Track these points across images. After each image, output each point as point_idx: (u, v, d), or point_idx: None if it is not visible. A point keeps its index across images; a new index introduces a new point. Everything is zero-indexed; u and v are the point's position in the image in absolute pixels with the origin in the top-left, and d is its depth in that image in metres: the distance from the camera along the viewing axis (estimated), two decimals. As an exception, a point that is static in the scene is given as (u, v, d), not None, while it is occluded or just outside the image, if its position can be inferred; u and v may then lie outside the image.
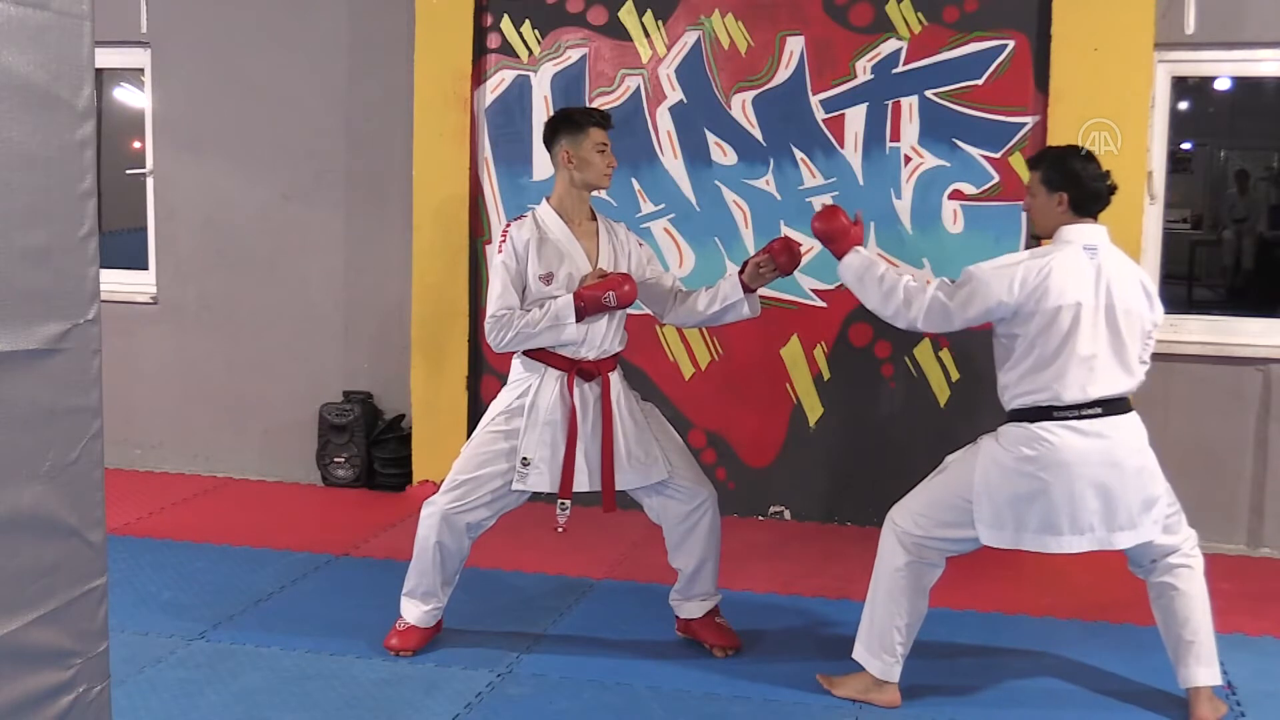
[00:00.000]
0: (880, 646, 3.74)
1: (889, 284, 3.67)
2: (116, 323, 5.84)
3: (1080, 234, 3.56)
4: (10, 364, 2.06)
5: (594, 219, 4.07)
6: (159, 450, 6.51)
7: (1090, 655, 4.16)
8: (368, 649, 4.11)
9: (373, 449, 6.15)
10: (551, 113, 5.61)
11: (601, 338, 3.97)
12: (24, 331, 2.09)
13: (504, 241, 3.94)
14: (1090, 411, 3.50)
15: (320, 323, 6.28)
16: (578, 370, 3.95)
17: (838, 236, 3.79)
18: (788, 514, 5.74)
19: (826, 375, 5.65)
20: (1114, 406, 3.54)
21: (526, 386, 3.97)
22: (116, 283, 6.28)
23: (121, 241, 6.58)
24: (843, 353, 5.58)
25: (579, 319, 3.86)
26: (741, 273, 3.98)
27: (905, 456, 5.60)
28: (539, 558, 5.05)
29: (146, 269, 6.51)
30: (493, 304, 3.92)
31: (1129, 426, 3.58)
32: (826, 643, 4.24)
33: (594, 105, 5.73)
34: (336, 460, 6.16)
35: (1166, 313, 5.43)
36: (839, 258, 3.79)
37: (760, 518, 5.75)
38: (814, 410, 5.67)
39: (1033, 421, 3.55)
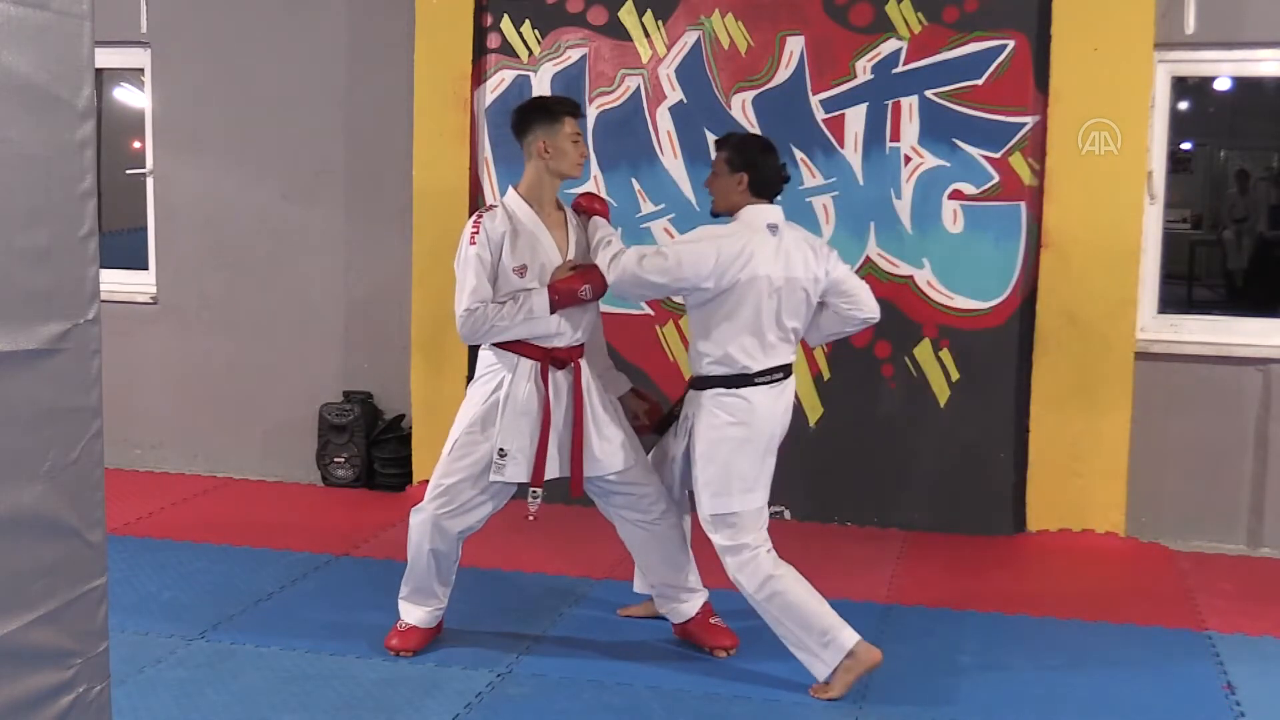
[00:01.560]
0: (818, 645, 3.78)
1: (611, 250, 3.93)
2: (116, 323, 5.84)
3: (760, 214, 3.86)
4: (10, 364, 2.06)
5: (560, 208, 4.07)
6: (159, 450, 6.50)
7: (1090, 655, 4.15)
8: (368, 649, 4.11)
9: (373, 449, 6.15)
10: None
11: (575, 327, 3.97)
12: (24, 331, 2.09)
13: (476, 233, 3.87)
14: (776, 377, 3.87)
15: (320, 323, 6.28)
16: (551, 359, 3.95)
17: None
18: (788, 514, 5.74)
19: (826, 375, 5.65)
20: (788, 371, 3.93)
21: (500, 379, 3.95)
22: (116, 283, 6.28)
23: (121, 241, 6.58)
24: (843, 353, 5.58)
25: (552, 311, 3.86)
26: (631, 391, 4.25)
27: (905, 456, 5.61)
28: (539, 558, 5.05)
29: (146, 269, 6.51)
30: (465, 297, 3.85)
31: (791, 389, 3.97)
32: (826, 643, 4.24)
33: (594, 105, 5.74)
34: (336, 460, 6.16)
35: (1167, 313, 5.52)
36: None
37: (760, 518, 5.74)
38: (814, 410, 5.67)
39: (733, 387, 3.84)
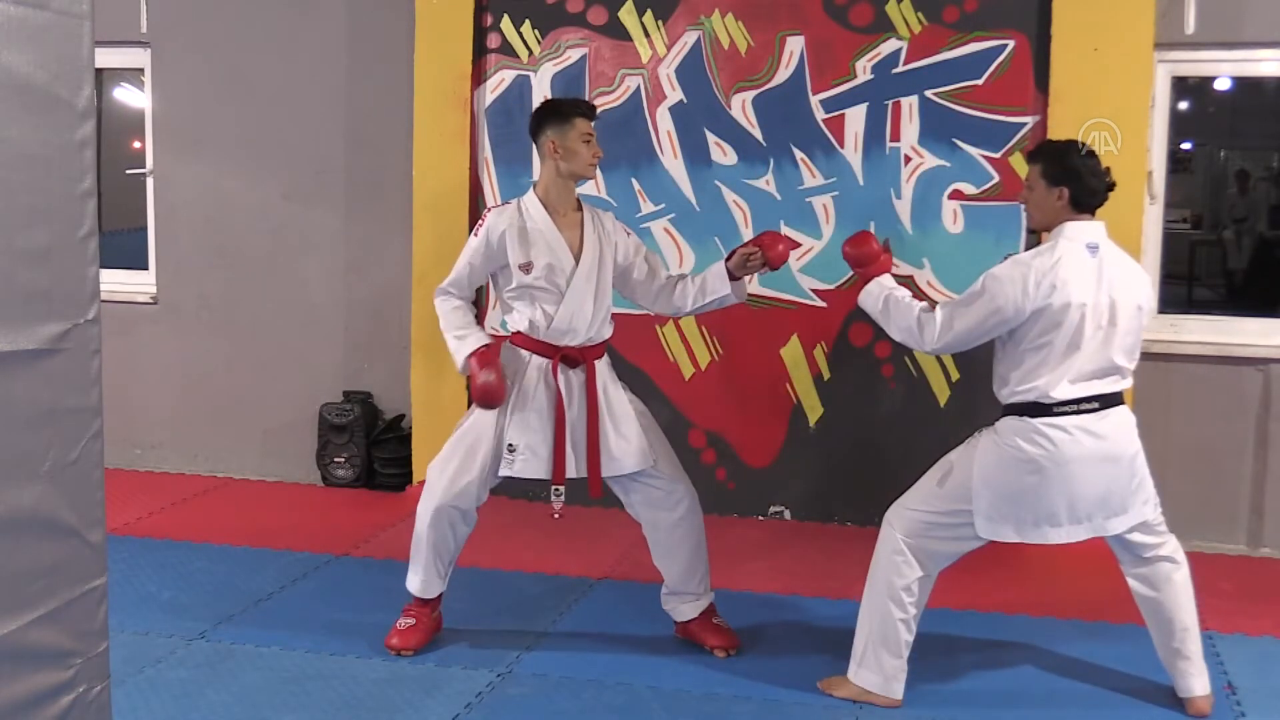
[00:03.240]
0: (877, 661, 3.74)
1: (904, 308, 3.71)
2: (116, 323, 5.85)
3: (1081, 231, 3.56)
4: (10, 364, 2.06)
5: (579, 209, 4.08)
6: (159, 450, 6.50)
7: (1090, 655, 4.16)
8: (368, 649, 4.11)
9: (373, 449, 6.15)
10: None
11: (587, 325, 3.98)
12: (24, 331, 2.09)
13: (480, 226, 4.01)
14: (1088, 407, 3.52)
15: (320, 323, 6.28)
16: (561, 357, 3.96)
17: (866, 262, 3.84)
18: (788, 514, 5.74)
19: (826, 375, 5.65)
20: (1109, 401, 3.56)
21: (512, 372, 3.98)
22: (116, 283, 6.28)
23: (121, 241, 6.58)
24: (843, 353, 5.58)
25: (460, 369, 3.96)
26: (729, 260, 4.00)
27: (905, 456, 5.59)
28: (539, 558, 5.04)
29: (146, 269, 6.51)
30: (449, 277, 4.05)
31: (1122, 420, 3.61)
32: (827, 643, 4.23)
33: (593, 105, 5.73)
34: (336, 460, 6.16)
35: (1167, 313, 5.52)
36: (864, 283, 3.84)
37: (760, 518, 5.74)
38: (814, 410, 5.67)
39: (1032, 416, 3.55)
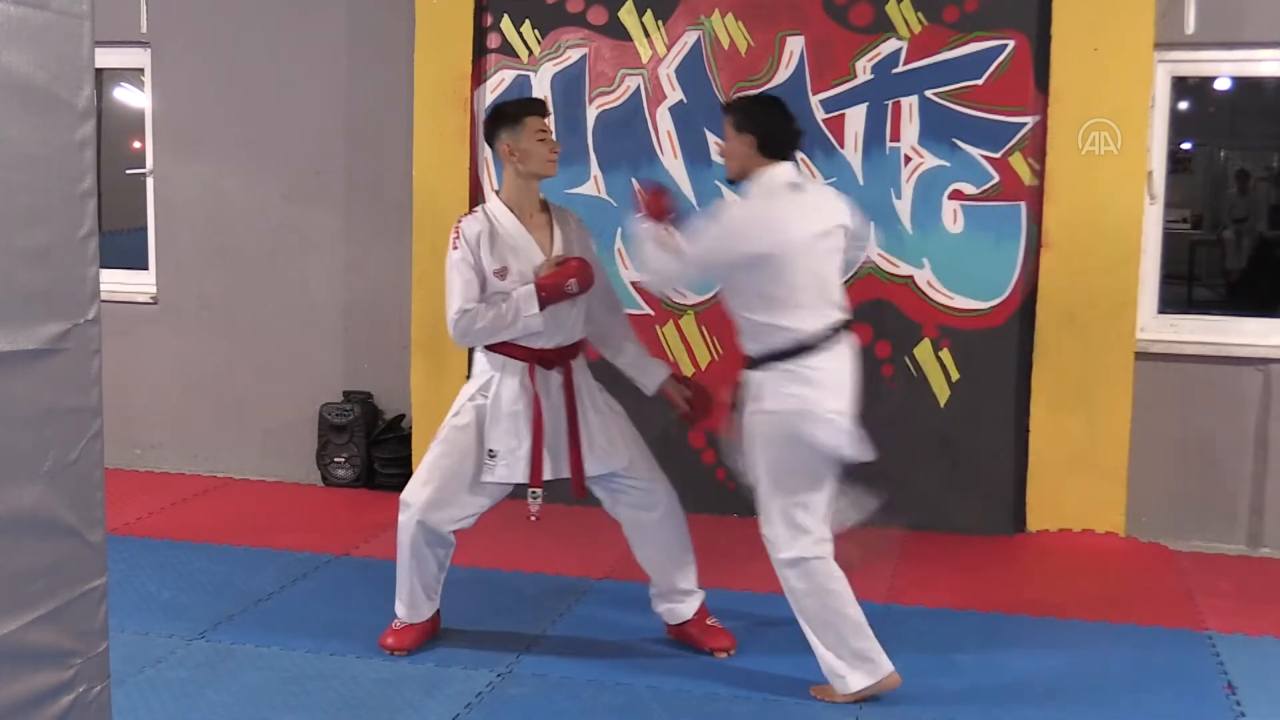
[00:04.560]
0: (851, 656, 3.73)
1: (655, 245, 3.85)
2: (116, 323, 5.84)
3: (776, 174, 3.73)
4: (10, 364, 2.06)
5: (545, 210, 4.06)
6: (159, 450, 6.50)
7: (1090, 655, 4.15)
8: (367, 649, 4.11)
9: (373, 449, 6.15)
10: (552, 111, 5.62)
11: (563, 326, 3.97)
12: (24, 331, 2.09)
13: (457, 238, 3.92)
14: (828, 343, 3.70)
15: (320, 323, 6.28)
16: (538, 360, 3.95)
17: (660, 215, 3.94)
18: (788, 514, 5.73)
19: (826, 375, 5.64)
20: (843, 332, 3.77)
21: (488, 379, 3.97)
22: (116, 283, 6.28)
23: (121, 241, 6.58)
24: (843, 353, 5.57)
25: (541, 308, 3.85)
26: (667, 381, 4.14)
27: (905, 456, 5.60)
28: (539, 558, 5.04)
29: (146, 269, 6.51)
30: (455, 299, 3.87)
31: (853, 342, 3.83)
32: (826, 643, 4.24)
33: (594, 105, 5.74)
34: (336, 460, 6.16)
35: (1167, 313, 5.52)
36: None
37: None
38: (814, 410, 5.66)
39: (795, 357, 3.67)
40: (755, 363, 3.75)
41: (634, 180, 4.03)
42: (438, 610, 4.19)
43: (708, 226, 3.76)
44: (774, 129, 3.76)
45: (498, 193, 4.04)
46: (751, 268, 3.64)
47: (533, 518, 3.96)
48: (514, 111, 3.98)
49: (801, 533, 3.72)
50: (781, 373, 3.68)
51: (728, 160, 3.86)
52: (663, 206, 3.91)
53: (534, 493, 3.96)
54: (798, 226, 3.66)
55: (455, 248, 3.90)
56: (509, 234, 3.93)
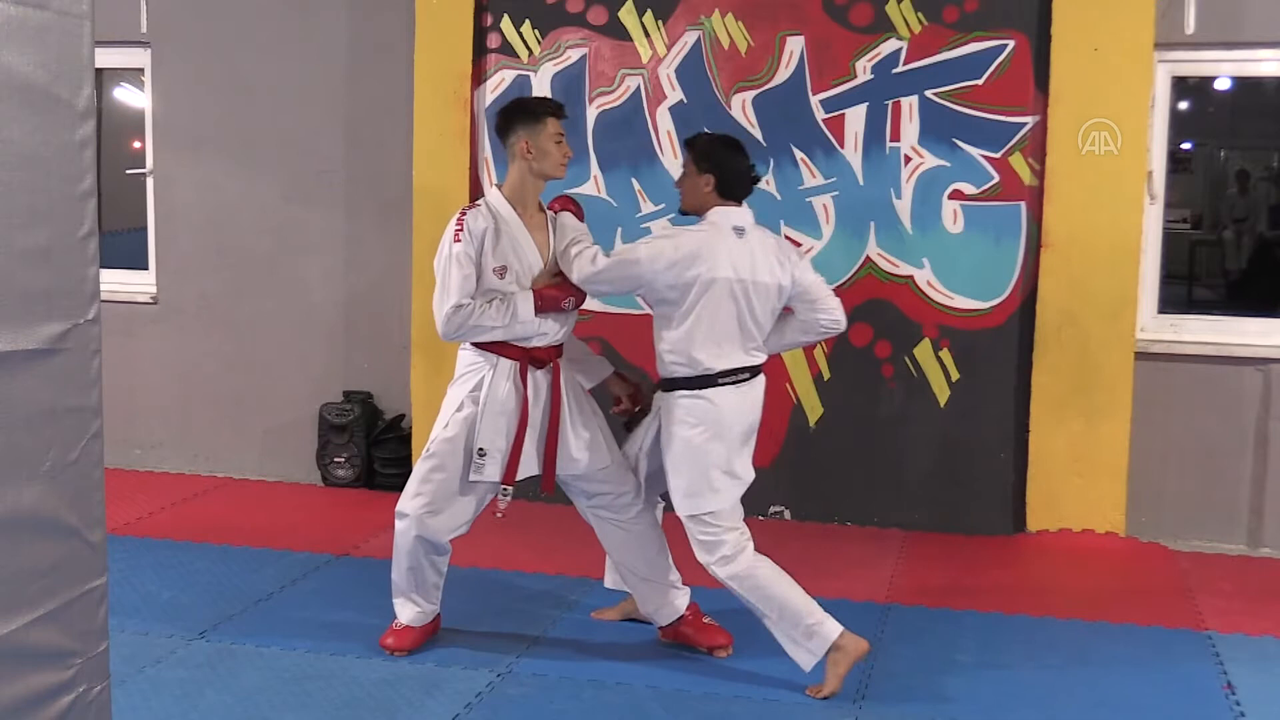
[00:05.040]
0: (802, 636, 3.79)
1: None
2: (116, 323, 5.85)
3: (728, 216, 3.85)
4: (10, 364, 2.06)
5: (543, 210, 4.06)
6: (159, 450, 6.50)
7: (1090, 655, 4.15)
8: (367, 649, 4.11)
9: (373, 449, 6.15)
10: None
11: (556, 327, 3.97)
12: (24, 331, 2.09)
13: (460, 230, 3.87)
14: (743, 377, 3.85)
15: (320, 323, 6.28)
16: (530, 359, 3.94)
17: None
18: (788, 514, 5.74)
19: (826, 375, 5.65)
20: (755, 371, 3.91)
21: (479, 379, 3.95)
22: (116, 283, 6.28)
23: (121, 241, 6.58)
24: (843, 353, 5.58)
25: (535, 315, 3.87)
26: (611, 378, 4.20)
27: (905, 456, 5.61)
28: (539, 558, 5.04)
29: (146, 269, 6.51)
30: (452, 294, 3.83)
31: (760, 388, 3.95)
32: (826, 643, 4.25)
33: (594, 105, 5.74)
34: (336, 460, 6.15)
35: (1167, 313, 5.52)
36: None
37: (760, 518, 5.74)
38: (814, 410, 5.67)
39: (698, 388, 3.83)
40: (665, 386, 3.92)
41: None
42: (438, 612, 4.19)
43: (638, 245, 3.89)
44: (733, 172, 3.90)
45: (499, 186, 4.03)
46: (668, 291, 3.79)
47: (499, 514, 3.98)
48: (535, 109, 3.98)
49: (717, 534, 3.85)
50: (681, 399, 3.85)
51: (684, 194, 3.98)
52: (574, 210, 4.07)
53: (504, 490, 3.96)
54: (726, 268, 3.78)
55: (458, 240, 3.86)
56: (511, 232, 3.92)
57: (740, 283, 3.79)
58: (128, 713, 3.53)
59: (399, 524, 4.03)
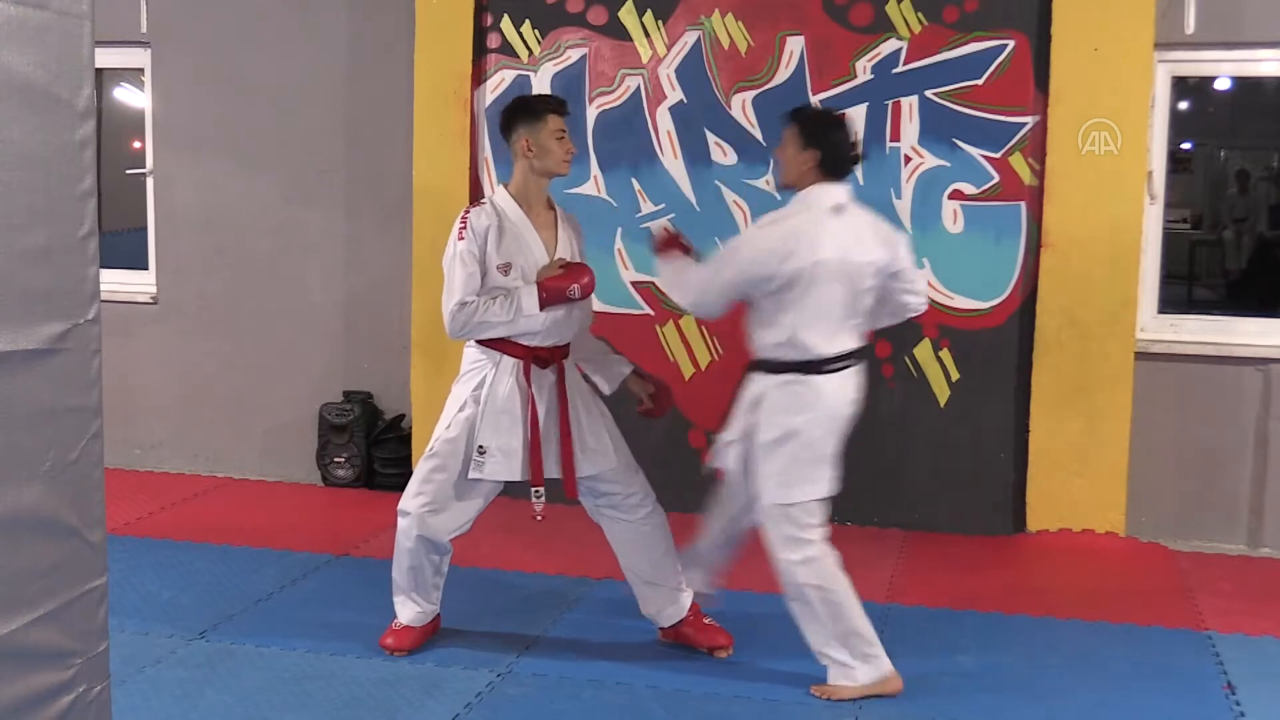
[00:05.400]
0: (858, 657, 3.74)
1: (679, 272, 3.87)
2: (116, 323, 5.84)
3: (826, 194, 3.72)
4: (10, 364, 2.06)
5: (551, 208, 4.06)
6: (159, 450, 6.51)
7: (1090, 655, 4.15)
8: (367, 649, 4.11)
9: (373, 449, 6.15)
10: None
11: (560, 327, 3.96)
12: (24, 331, 2.09)
13: (464, 228, 3.89)
14: (846, 363, 3.75)
15: (320, 323, 6.28)
16: (534, 358, 3.94)
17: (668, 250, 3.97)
18: (788, 514, 5.73)
19: (826, 375, 5.64)
20: (858, 357, 3.79)
21: (482, 377, 3.95)
22: (116, 283, 6.28)
23: (121, 241, 6.59)
24: (843, 353, 5.57)
25: (541, 309, 3.84)
26: (631, 375, 4.15)
27: (905, 456, 5.61)
28: (539, 558, 5.04)
29: (146, 269, 6.51)
30: (457, 290, 3.84)
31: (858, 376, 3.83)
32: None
33: (594, 105, 5.74)
34: (336, 460, 6.16)
35: (1167, 313, 5.52)
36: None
37: (760, 518, 5.74)
38: (814, 410, 5.66)
39: (804, 374, 3.70)
40: (760, 369, 3.78)
41: (652, 228, 4.08)
42: (438, 613, 4.19)
43: (739, 249, 3.76)
44: (838, 149, 3.74)
45: (505, 186, 4.03)
46: (774, 282, 3.65)
47: (538, 517, 3.95)
48: (536, 107, 3.98)
49: (805, 531, 3.73)
50: (784, 385, 3.71)
51: (784, 168, 3.82)
52: (680, 247, 3.94)
53: (537, 492, 3.94)
54: (828, 249, 3.63)
55: (461, 238, 3.88)
56: (516, 230, 3.92)
57: (844, 263, 3.66)
58: (128, 713, 3.53)
59: (400, 522, 4.03)
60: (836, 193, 3.74)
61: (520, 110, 3.98)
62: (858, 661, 3.75)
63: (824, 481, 3.75)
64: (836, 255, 3.64)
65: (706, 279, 3.75)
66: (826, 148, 3.72)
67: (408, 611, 4.12)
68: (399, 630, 4.12)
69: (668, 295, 3.93)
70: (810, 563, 3.73)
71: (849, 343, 3.76)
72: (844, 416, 3.78)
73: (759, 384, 3.79)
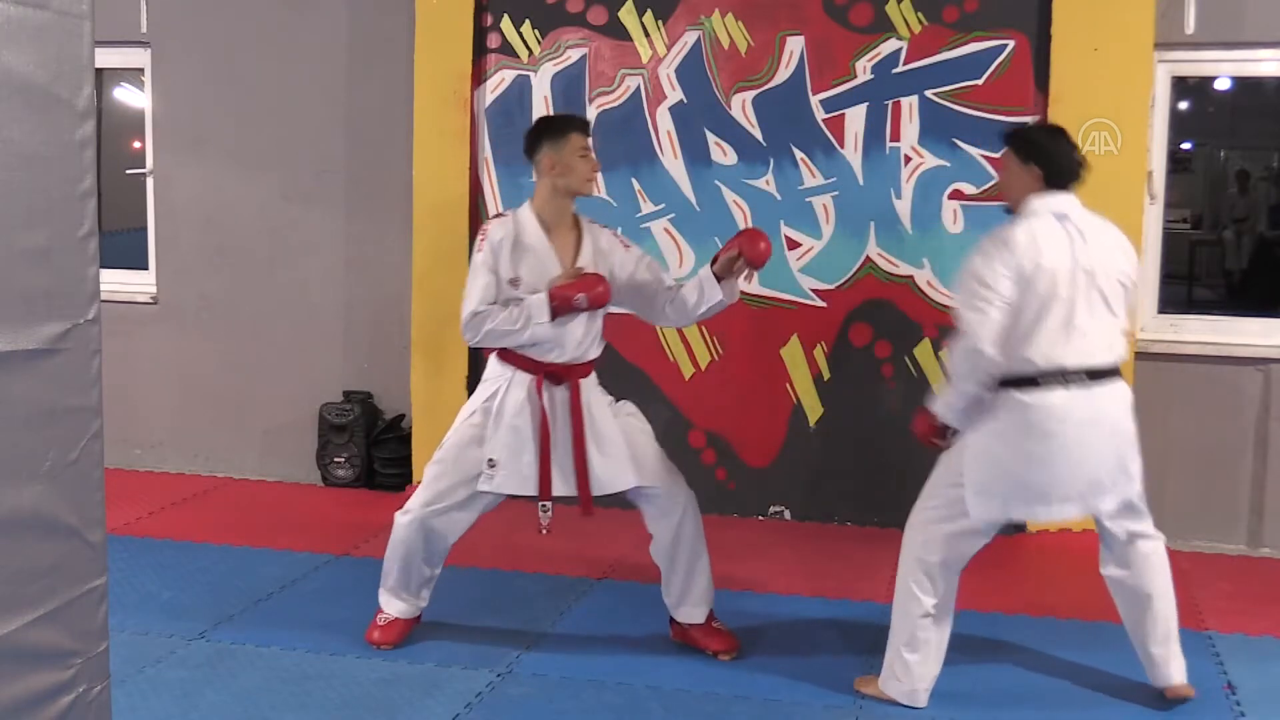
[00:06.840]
0: (905, 670, 3.76)
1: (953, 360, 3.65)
2: (116, 323, 5.84)
3: (1049, 203, 3.59)
4: (10, 364, 2.06)
5: (576, 228, 4.04)
6: (159, 450, 6.51)
7: (1089, 655, 4.15)
8: (367, 649, 4.11)
9: (373, 449, 6.16)
10: (551, 113, 5.63)
11: (574, 342, 3.94)
12: (24, 331, 2.09)
13: (483, 240, 3.94)
14: (1075, 379, 3.51)
15: (320, 323, 6.28)
16: (546, 374, 3.93)
17: None
18: (788, 514, 5.74)
19: (826, 375, 5.65)
20: (1100, 374, 3.55)
21: (496, 388, 3.97)
22: (116, 283, 6.28)
23: (121, 241, 6.58)
24: (843, 353, 5.58)
25: (551, 318, 3.82)
26: (713, 264, 3.90)
27: (905, 456, 5.60)
28: (539, 558, 5.04)
29: (146, 269, 6.51)
30: (473, 299, 3.88)
31: (1115, 394, 3.59)
32: (826, 642, 4.25)
33: (594, 105, 5.74)
34: (336, 460, 6.16)
35: (1167, 313, 5.52)
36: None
37: (760, 518, 5.75)
38: (814, 410, 5.67)
39: (1019, 389, 3.53)
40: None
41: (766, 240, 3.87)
42: (423, 608, 4.20)
43: (979, 289, 3.53)
44: (1062, 159, 3.64)
45: (531, 202, 4.03)
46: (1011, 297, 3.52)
47: (544, 530, 3.95)
48: (559, 125, 4.00)
49: (944, 545, 3.71)
50: (1009, 401, 3.55)
51: (1007, 190, 3.74)
52: (765, 251, 3.82)
53: (544, 506, 3.95)
54: (1052, 257, 3.50)
55: (480, 249, 3.93)
56: (530, 244, 3.93)
57: (1071, 271, 3.50)
58: (128, 713, 3.53)
59: (400, 519, 4.06)
60: (1060, 201, 3.61)
61: (544, 129, 4.02)
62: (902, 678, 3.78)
63: (998, 504, 3.66)
64: (1060, 263, 3.50)
65: (969, 344, 3.51)
66: (1051, 161, 3.62)
67: (395, 606, 4.13)
68: (385, 625, 4.13)
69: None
70: (932, 569, 3.76)
71: (1077, 358, 3.53)
72: (1070, 438, 3.55)
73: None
